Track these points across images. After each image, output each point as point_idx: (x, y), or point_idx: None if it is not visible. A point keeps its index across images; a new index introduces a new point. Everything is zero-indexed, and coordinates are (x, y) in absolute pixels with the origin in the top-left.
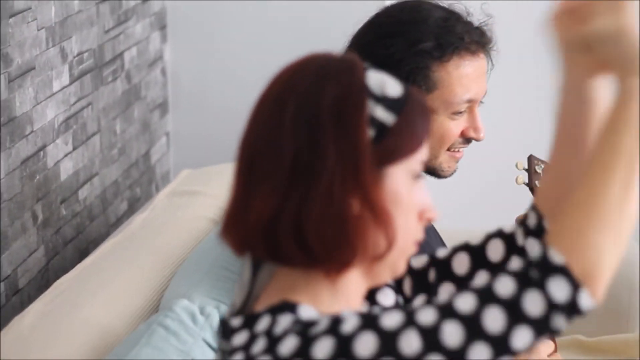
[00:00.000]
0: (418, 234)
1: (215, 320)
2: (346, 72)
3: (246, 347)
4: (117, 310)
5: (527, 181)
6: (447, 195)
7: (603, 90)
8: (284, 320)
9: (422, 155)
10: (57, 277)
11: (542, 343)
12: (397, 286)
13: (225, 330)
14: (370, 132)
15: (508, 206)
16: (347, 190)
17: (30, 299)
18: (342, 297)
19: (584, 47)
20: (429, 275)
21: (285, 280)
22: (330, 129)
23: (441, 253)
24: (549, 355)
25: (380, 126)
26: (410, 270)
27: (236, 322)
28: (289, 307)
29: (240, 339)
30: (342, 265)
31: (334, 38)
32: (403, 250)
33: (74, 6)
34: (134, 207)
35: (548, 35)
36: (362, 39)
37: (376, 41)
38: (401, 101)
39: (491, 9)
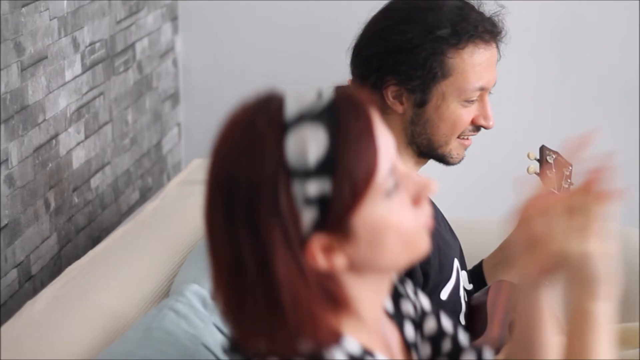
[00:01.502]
0: (422, 214)
1: None
2: (259, 151)
3: None
4: (128, 295)
5: (538, 171)
6: (459, 185)
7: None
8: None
9: (383, 172)
10: (69, 264)
11: None
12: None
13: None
14: (311, 212)
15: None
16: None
17: (43, 285)
18: (369, 305)
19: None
20: (443, 345)
21: None
22: (245, 235)
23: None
24: None
25: (321, 200)
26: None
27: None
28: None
29: None
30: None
31: (345, 28)
32: (414, 241)
33: None
34: (145, 196)
35: (510, 227)
36: (378, 25)
37: (393, 27)
38: (329, 155)
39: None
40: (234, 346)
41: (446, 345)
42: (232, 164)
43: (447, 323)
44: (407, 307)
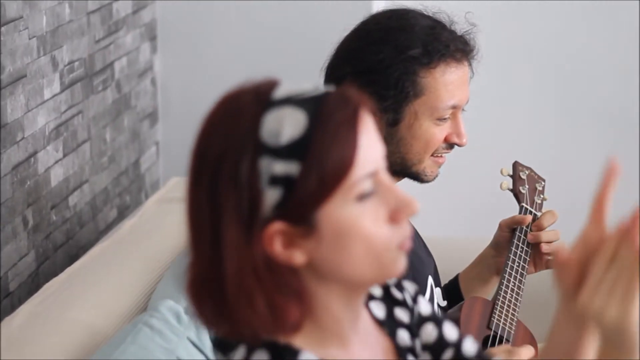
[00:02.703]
0: (398, 234)
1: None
2: (235, 123)
3: None
4: (105, 311)
5: (511, 187)
6: (433, 203)
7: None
8: None
9: (360, 172)
10: (47, 281)
11: (523, 348)
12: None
13: (221, 344)
14: (274, 192)
15: (492, 212)
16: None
17: (21, 302)
18: (332, 320)
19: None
20: (444, 354)
21: None
22: (206, 198)
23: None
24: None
25: (285, 181)
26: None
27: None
28: (292, 352)
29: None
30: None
31: (321, 46)
32: (384, 258)
33: (65, 16)
34: (123, 214)
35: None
36: (350, 45)
37: (365, 47)
38: (304, 139)
39: (475, 17)
40: (218, 344)
41: (447, 355)
42: (209, 133)
43: (451, 332)
44: (402, 315)
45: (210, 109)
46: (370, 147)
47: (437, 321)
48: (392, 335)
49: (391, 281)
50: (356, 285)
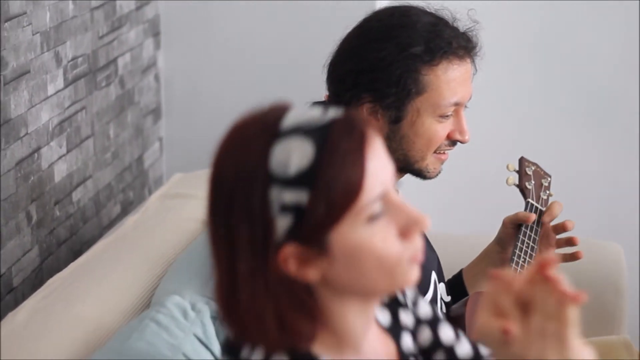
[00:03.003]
0: (410, 249)
1: (206, 316)
2: (244, 155)
3: None
4: (108, 306)
5: (517, 182)
6: (436, 198)
7: None
8: None
9: (369, 196)
10: (51, 276)
11: None
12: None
13: (231, 347)
14: (285, 219)
15: (498, 208)
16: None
17: (24, 297)
18: (349, 326)
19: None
20: (436, 356)
21: None
22: (223, 227)
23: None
24: None
25: (295, 209)
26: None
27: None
28: (311, 358)
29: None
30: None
31: (324, 43)
32: (396, 273)
33: (68, 12)
34: (127, 210)
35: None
36: (352, 43)
37: (367, 45)
38: (312, 169)
39: (478, 14)
40: (226, 347)
41: (438, 356)
42: (221, 165)
43: (446, 334)
44: (406, 318)
45: (221, 139)
46: (378, 170)
47: (434, 323)
48: (397, 340)
49: None
50: (370, 296)
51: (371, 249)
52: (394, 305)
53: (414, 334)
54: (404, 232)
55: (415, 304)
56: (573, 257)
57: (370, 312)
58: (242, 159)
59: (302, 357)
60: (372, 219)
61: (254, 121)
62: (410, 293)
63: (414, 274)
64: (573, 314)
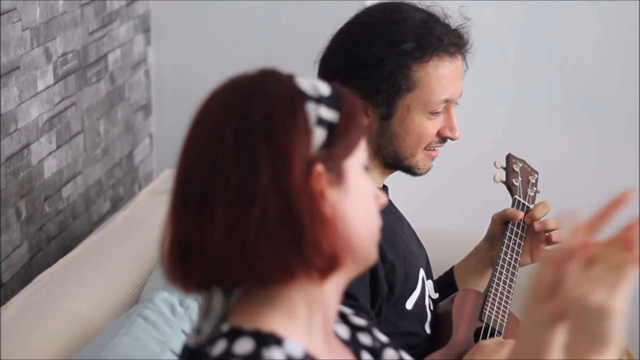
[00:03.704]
0: (378, 220)
1: (194, 312)
2: (273, 84)
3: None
4: (97, 302)
5: (504, 179)
6: (425, 195)
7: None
8: (276, 354)
9: (364, 144)
10: (40, 272)
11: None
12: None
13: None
14: (321, 133)
15: (486, 204)
16: (285, 201)
17: (14, 293)
18: (319, 307)
19: (555, 295)
20: None
21: (258, 299)
22: (263, 143)
23: None
24: None
25: (329, 125)
26: None
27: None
28: (276, 340)
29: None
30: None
31: (315, 39)
32: (372, 238)
33: (58, 7)
34: (117, 206)
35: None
36: (343, 39)
37: (358, 41)
38: (335, 97)
39: (469, 12)
40: (187, 352)
41: None
42: (244, 97)
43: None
44: (365, 339)
45: (222, 87)
46: None
47: (395, 347)
48: (357, 354)
49: (349, 310)
50: (353, 262)
51: (365, 192)
52: (350, 326)
53: (375, 353)
54: (376, 200)
55: (371, 330)
56: None
57: (336, 297)
58: (272, 88)
59: (268, 339)
60: (365, 167)
61: (256, 77)
62: (364, 319)
63: (375, 251)
64: (634, 273)
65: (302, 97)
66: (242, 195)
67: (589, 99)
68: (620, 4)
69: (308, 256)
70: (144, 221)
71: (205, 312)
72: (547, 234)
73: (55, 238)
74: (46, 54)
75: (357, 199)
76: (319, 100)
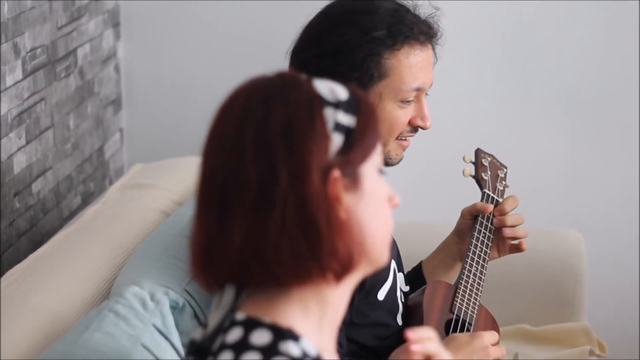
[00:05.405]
0: (392, 221)
1: (166, 307)
2: (293, 89)
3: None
4: (67, 297)
5: (473, 174)
6: (395, 187)
7: None
8: (293, 349)
9: (379, 148)
10: (10, 268)
11: (486, 332)
12: None
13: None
14: (338, 139)
15: (456, 198)
16: (302, 207)
17: None
18: (330, 308)
19: None
20: None
21: (273, 295)
22: (282, 150)
23: None
24: (493, 345)
25: (346, 130)
26: None
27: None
28: (293, 336)
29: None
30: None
31: (288, 31)
32: (386, 240)
33: (27, 2)
34: (87, 201)
35: None
36: (316, 28)
37: (330, 29)
38: (353, 101)
39: (439, 3)
40: (193, 347)
41: None
42: (264, 102)
43: None
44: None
45: (238, 92)
46: None
47: None
48: None
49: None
50: (366, 264)
51: (380, 195)
52: None
53: None
54: (391, 201)
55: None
56: (517, 248)
57: (345, 300)
58: (291, 93)
59: (285, 333)
60: (380, 170)
61: (274, 80)
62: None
63: (387, 251)
64: None
65: (320, 102)
66: (262, 201)
67: (562, 92)
68: None
69: (325, 260)
70: (114, 215)
71: (216, 305)
72: (505, 229)
73: (26, 234)
74: (14, 49)
75: (372, 203)
76: (337, 105)
